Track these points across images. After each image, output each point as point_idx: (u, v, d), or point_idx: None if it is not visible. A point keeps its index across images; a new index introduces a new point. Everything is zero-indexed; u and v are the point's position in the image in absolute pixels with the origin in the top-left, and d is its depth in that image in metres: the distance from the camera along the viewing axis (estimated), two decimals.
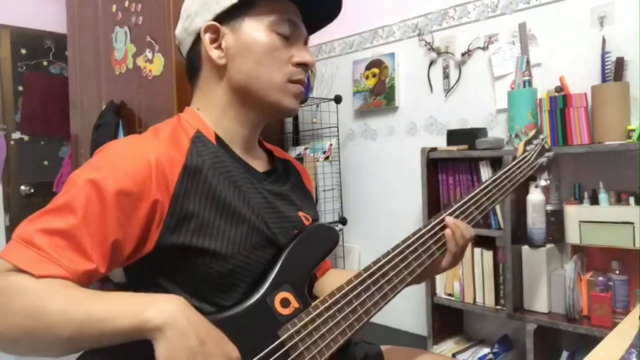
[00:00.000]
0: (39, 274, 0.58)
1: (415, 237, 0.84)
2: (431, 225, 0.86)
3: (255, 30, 0.76)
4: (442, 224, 0.86)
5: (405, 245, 0.82)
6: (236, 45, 0.77)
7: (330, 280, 0.91)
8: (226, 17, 0.77)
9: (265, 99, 0.78)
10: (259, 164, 0.83)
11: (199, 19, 0.78)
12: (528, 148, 1.12)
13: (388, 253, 0.80)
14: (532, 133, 1.16)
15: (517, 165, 1.04)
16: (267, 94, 0.77)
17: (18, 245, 0.60)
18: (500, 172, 0.99)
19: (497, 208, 1.65)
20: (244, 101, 0.79)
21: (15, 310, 0.56)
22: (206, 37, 0.77)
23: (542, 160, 1.11)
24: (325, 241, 0.79)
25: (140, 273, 0.71)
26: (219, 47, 0.77)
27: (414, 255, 0.82)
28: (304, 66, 0.80)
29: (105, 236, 0.63)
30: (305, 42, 0.83)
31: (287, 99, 0.79)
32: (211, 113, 0.79)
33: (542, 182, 1.53)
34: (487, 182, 0.96)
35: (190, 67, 0.82)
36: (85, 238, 0.61)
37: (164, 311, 0.58)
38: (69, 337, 0.56)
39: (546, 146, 1.14)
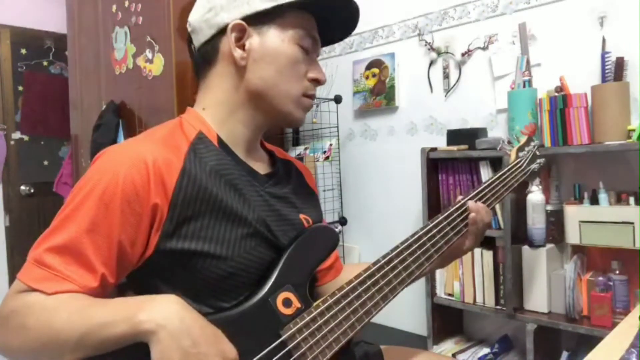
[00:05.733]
0: (51, 291, 0.62)
1: (415, 238, 0.84)
2: (432, 223, 0.87)
3: (281, 40, 0.77)
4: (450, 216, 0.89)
5: (408, 243, 0.82)
6: (260, 50, 0.77)
7: (348, 276, 0.91)
8: (254, 19, 0.76)
9: (279, 108, 0.79)
10: (261, 166, 0.83)
11: (225, 15, 0.77)
12: (520, 154, 1.14)
13: (391, 251, 0.81)
14: (524, 140, 1.18)
15: (510, 171, 1.07)
16: (282, 103, 0.79)
17: (31, 266, 0.63)
18: (494, 177, 1.02)
19: (497, 208, 1.65)
20: (256, 105, 0.79)
21: (30, 326, 0.61)
22: (232, 36, 0.76)
23: (534, 166, 1.14)
24: (325, 242, 0.79)
25: (139, 276, 0.71)
26: (241, 47, 0.77)
27: (421, 250, 0.83)
28: (317, 82, 0.82)
29: (111, 246, 0.64)
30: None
31: (298, 111, 0.81)
32: (217, 112, 0.79)
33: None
34: (483, 187, 0.98)
35: (201, 59, 0.81)
36: (92, 251, 0.63)
37: (156, 313, 0.58)
38: (75, 346, 0.59)
39: (537, 153, 1.17)
